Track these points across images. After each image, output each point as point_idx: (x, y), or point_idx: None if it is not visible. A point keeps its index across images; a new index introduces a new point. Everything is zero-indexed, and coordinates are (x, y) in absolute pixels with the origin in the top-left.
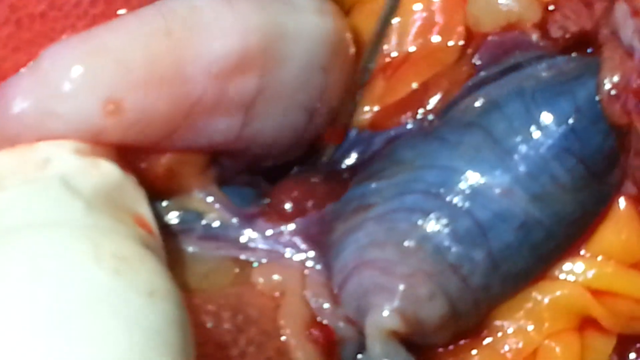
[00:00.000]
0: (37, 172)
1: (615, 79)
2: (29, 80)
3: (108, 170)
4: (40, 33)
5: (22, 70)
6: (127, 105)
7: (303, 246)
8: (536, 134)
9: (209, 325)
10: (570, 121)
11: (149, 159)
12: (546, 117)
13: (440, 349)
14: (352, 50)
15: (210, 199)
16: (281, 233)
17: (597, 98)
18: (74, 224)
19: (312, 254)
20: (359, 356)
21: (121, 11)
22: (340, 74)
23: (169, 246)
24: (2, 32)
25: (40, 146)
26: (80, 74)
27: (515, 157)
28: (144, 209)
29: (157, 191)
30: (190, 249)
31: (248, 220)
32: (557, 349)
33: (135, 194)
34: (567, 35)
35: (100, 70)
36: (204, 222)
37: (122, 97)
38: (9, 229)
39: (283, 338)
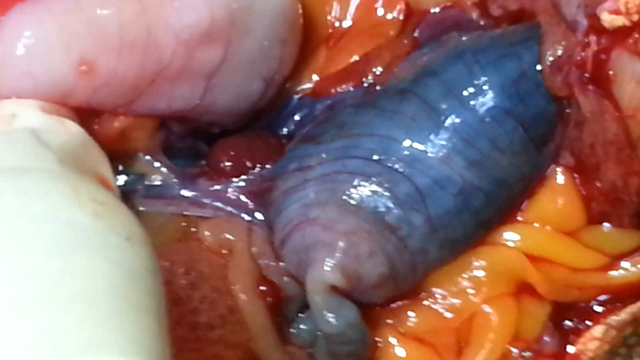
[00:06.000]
0: (5, 125)
1: (558, 52)
2: None
3: (73, 130)
4: None
5: None
6: (99, 67)
7: (246, 203)
8: (476, 96)
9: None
10: (515, 83)
11: (102, 121)
12: (490, 78)
13: (379, 308)
14: (301, 22)
15: (154, 161)
16: (223, 190)
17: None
18: (51, 170)
19: (255, 211)
20: (301, 315)
21: None
22: (294, 45)
23: None
24: None
25: (5, 103)
26: (55, 32)
27: (452, 122)
28: (106, 169)
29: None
30: (137, 208)
31: (189, 180)
32: (494, 313)
33: (97, 154)
34: (507, 14)
35: (74, 30)
36: (147, 182)
37: (95, 59)
38: None
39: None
